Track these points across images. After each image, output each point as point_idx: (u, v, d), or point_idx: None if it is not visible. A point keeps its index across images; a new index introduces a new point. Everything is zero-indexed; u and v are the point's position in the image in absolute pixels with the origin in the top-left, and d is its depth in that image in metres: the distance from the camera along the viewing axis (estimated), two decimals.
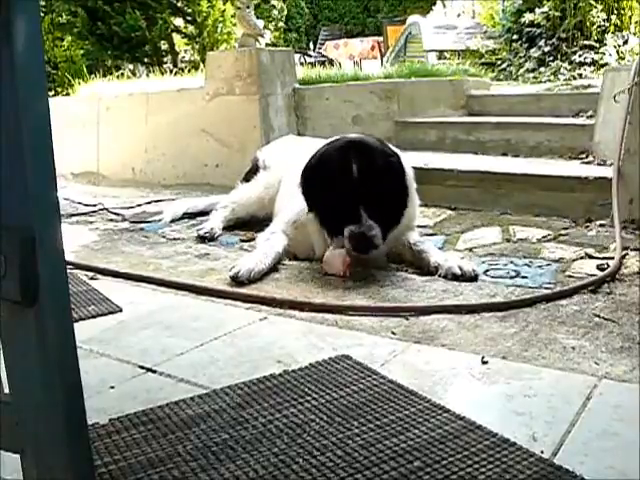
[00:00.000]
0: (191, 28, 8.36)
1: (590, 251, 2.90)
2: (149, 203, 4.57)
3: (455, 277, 2.61)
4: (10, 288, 1.05)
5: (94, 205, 4.50)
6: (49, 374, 1.12)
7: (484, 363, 1.84)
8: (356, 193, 2.61)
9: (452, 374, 1.81)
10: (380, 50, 13.58)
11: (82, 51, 7.97)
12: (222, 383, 1.76)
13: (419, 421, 1.52)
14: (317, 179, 2.74)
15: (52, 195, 1.10)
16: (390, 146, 2.91)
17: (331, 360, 1.85)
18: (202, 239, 3.43)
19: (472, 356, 1.90)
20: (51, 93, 7.38)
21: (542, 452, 1.39)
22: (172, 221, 3.90)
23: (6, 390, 1.16)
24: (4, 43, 0.99)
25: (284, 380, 1.73)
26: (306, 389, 1.68)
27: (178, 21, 8.42)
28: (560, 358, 1.87)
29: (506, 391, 1.69)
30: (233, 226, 3.64)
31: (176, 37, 8.56)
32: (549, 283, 2.54)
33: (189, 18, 8.31)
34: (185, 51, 9.08)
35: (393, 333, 2.09)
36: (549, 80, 7.20)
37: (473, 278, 2.61)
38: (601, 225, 3.26)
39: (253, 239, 3.37)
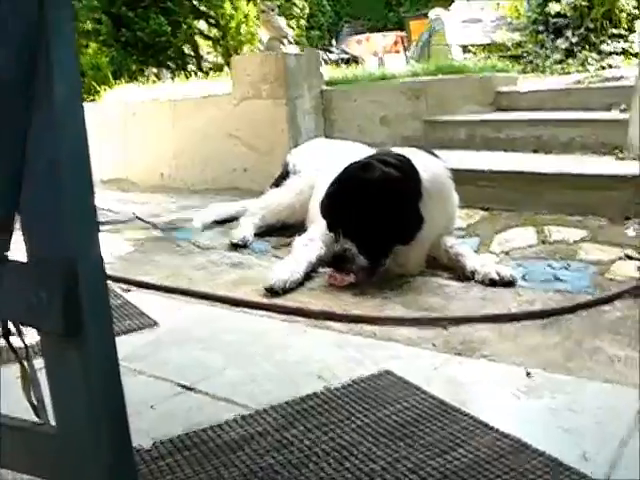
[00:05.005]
0: (214, 31, 8.36)
1: (629, 252, 2.84)
2: (179, 210, 4.57)
3: (493, 283, 2.57)
4: (53, 321, 1.04)
5: (125, 213, 4.51)
6: (94, 405, 1.11)
7: (528, 375, 1.81)
8: (331, 218, 2.81)
9: (495, 388, 1.78)
10: (403, 45, 13.51)
11: (107, 58, 8.02)
12: (262, 401, 1.75)
13: (464, 439, 1.50)
14: None
15: (93, 224, 1.09)
16: (418, 157, 2.87)
17: (373, 376, 1.83)
18: (234, 247, 3.42)
19: (514, 368, 1.87)
20: None
21: (591, 473, 1.36)
22: (203, 228, 3.90)
23: (52, 422, 1.16)
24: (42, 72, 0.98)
25: (327, 399, 1.72)
26: (350, 408, 1.66)
27: (201, 24, 8.42)
28: (606, 369, 1.83)
29: (551, 406, 1.65)
30: (264, 232, 3.63)
31: (199, 40, 8.57)
32: (588, 287, 2.50)
33: (212, 21, 8.31)
34: (208, 52, 9.09)
35: (433, 345, 2.06)
36: (577, 71, 7.09)
37: (511, 283, 2.58)
38: (639, 224, 3.19)
39: (285, 245, 3.36)
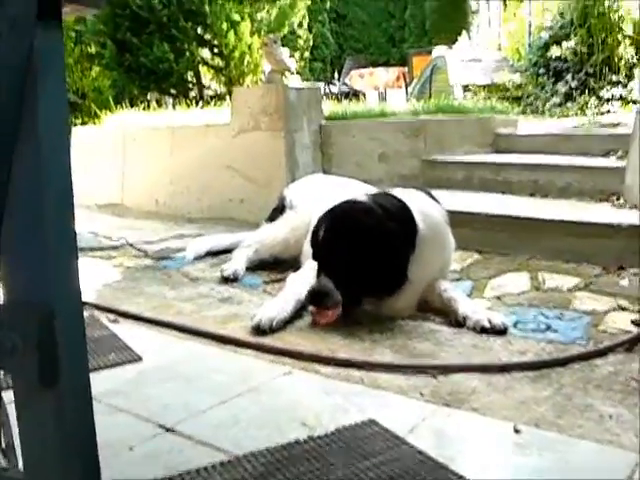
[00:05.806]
0: (218, 60, 8.41)
1: (623, 303, 2.81)
2: (172, 238, 4.53)
3: (484, 330, 2.54)
4: (27, 369, 1.00)
5: (117, 239, 4.47)
6: (66, 454, 1.07)
7: (516, 432, 1.77)
8: (316, 255, 2.80)
9: (484, 444, 1.74)
10: (405, 80, 13.62)
11: (109, 82, 8.06)
12: (245, 447, 1.70)
13: None
14: None
15: (73, 268, 1.05)
16: (415, 200, 2.86)
17: (357, 426, 1.78)
18: (225, 280, 3.38)
19: (504, 423, 1.82)
20: (78, 122, 7.43)
21: None
22: (195, 259, 3.86)
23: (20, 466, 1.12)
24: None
25: (309, 447, 1.67)
26: (332, 458, 1.61)
27: (205, 53, 8.47)
28: (597, 428, 1.78)
29: (541, 466, 1.61)
30: (256, 266, 3.59)
31: (202, 69, 8.61)
32: (581, 339, 2.46)
33: (216, 50, 8.36)
34: (211, 79, 9.13)
35: (421, 394, 2.02)
36: (576, 114, 7.15)
37: (502, 331, 2.54)
38: (634, 274, 3.17)
39: (276, 281, 3.33)
